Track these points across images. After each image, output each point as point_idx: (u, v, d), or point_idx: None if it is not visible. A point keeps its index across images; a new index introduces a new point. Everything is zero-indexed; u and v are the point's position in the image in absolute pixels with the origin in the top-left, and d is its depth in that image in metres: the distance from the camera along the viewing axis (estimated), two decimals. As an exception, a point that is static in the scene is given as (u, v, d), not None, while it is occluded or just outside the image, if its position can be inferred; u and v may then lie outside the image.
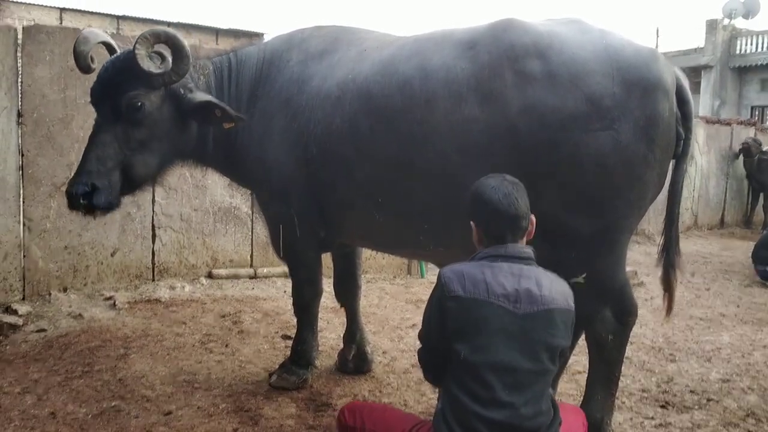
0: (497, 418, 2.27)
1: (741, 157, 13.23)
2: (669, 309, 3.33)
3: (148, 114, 3.38)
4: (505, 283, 2.34)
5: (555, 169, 2.87)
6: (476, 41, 3.08)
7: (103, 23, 26.48)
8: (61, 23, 25.03)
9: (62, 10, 25.00)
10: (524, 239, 2.52)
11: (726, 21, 27.18)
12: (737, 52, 26.88)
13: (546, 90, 2.85)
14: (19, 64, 5.29)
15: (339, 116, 3.36)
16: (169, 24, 27.96)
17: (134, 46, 3.20)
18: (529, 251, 2.48)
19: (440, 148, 3.06)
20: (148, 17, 27.11)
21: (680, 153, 3.07)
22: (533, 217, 2.54)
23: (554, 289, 2.41)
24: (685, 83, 3.06)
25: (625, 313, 3.20)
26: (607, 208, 2.92)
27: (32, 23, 23.68)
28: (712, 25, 26.81)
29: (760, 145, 12.89)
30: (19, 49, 5.28)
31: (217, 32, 29.45)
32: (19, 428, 3.38)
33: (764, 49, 26.21)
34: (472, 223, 2.54)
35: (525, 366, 2.32)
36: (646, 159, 2.86)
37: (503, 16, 3.19)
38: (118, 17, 26.74)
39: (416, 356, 2.65)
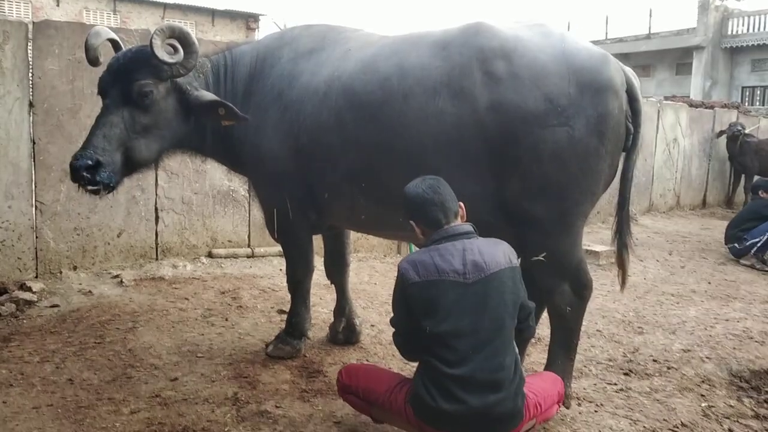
0: (462, 374, 2.65)
1: (724, 139, 13.48)
2: (623, 285, 3.67)
3: (154, 102, 3.60)
4: (452, 260, 2.73)
5: (517, 160, 3.18)
6: (449, 43, 3.36)
7: (100, 5, 26.56)
8: (57, 5, 25.10)
9: (60, -8, 25.02)
10: (458, 220, 2.90)
11: (718, 1, 27.19)
12: (729, 32, 26.97)
13: (510, 89, 3.14)
14: (30, 58, 5.49)
15: (326, 110, 3.61)
16: (165, 5, 27.98)
17: (152, 36, 3.44)
18: (467, 227, 2.88)
19: (416, 139, 3.34)
20: (144, -2, 27.15)
21: (630, 146, 3.37)
22: (461, 203, 2.93)
23: (496, 252, 2.79)
24: (635, 83, 3.35)
25: (582, 287, 3.52)
26: (564, 195, 3.23)
27: (29, 4, 23.53)
28: (704, 6, 26.85)
29: (744, 128, 13.17)
30: (29, 43, 5.48)
31: (213, 13, 29.50)
32: (41, 392, 3.65)
33: (756, 29, 26.30)
34: (411, 222, 2.93)
35: (484, 326, 2.69)
36: (598, 152, 3.17)
37: (477, 19, 3.49)
38: (114, -1, 26.75)
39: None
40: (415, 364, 2.96)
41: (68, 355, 4.20)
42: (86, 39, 3.64)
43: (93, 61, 3.68)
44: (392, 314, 2.96)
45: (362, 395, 3.05)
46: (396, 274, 2.86)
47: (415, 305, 2.74)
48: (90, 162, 3.43)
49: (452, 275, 2.71)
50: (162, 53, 3.49)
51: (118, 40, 3.86)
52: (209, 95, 3.71)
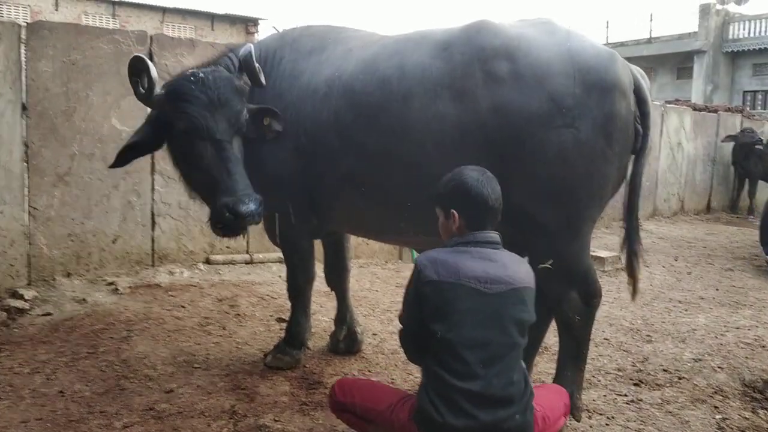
0: (473, 389, 2.50)
1: (729, 143, 13.40)
2: (634, 294, 3.54)
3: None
4: (474, 267, 2.57)
5: (522, 163, 3.06)
6: (450, 42, 3.25)
7: (99, 9, 26.57)
8: (56, 9, 25.08)
9: (58, -4, 25.05)
10: None
11: (719, 6, 27.23)
12: (730, 37, 27.01)
13: (513, 89, 3.03)
14: (23, 59, 5.40)
15: (326, 110, 3.52)
16: (164, 9, 28.01)
17: (252, 63, 3.42)
18: (495, 236, 2.71)
19: (417, 141, 3.23)
20: (143, 2, 27.16)
21: (639, 148, 3.25)
22: None
23: (519, 269, 2.66)
24: (644, 83, 3.24)
25: (591, 295, 3.39)
26: (571, 199, 3.12)
27: (28, 9, 23.53)
28: (705, 10, 26.89)
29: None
30: (22, 44, 5.39)
31: (212, 17, 29.51)
32: (30, 406, 3.53)
33: (757, 34, 26.34)
34: (453, 211, 2.71)
35: (497, 340, 2.54)
36: (605, 154, 3.05)
37: (480, 17, 3.38)
38: (114, 3, 26.83)
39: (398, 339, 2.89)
40: (418, 379, 2.80)
41: (60, 366, 4.09)
42: (151, 77, 3.32)
43: (149, 99, 3.41)
44: (401, 310, 2.78)
45: (360, 412, 2.85)
46: (412, 269, 2.68)
47: (428, 305, 2.58)
48: (257, 203, 3.29)
49: (473, 282, 2.55)
50: (264, 78, 3.51)
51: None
52: (254, 105, 3.58)
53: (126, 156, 3.60)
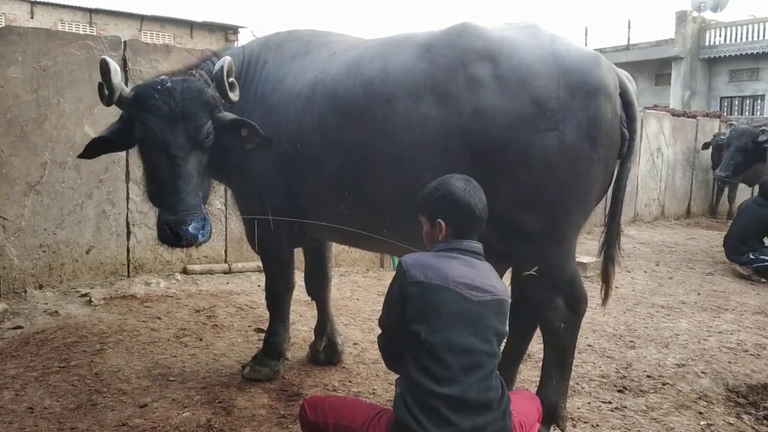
0: (452, 394, 2.43)
1: (709, 149, 13.49)
2: (605, 300, 3.50)
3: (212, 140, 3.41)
4: (462, 273, 2.53)
5: (505, 167, 2.99)
6: (433, 45, 3.19)
7: (75, 17, 26.26)
8: (32, 17, 24.75)
9: (33, 3, 24.72)
10: None
11: (695, 13, 27.55)
12: (707, 43, 27.34)
13: (495, 92, 2.96)
14: (-9, 66, 5.25)
15: (309, 114, 3.46)
16: (143, 17, 27.70)
17: (221, 78, 3.28)
18: (479, 246, 2.68)
19: (400, 145, 3.16)
20: (121, 10, 26.91)
21: (625, 153, 3.19)
22: None
23: (499, 282, 2.63)
24: (630, 87, 3.18)
25: (576, 302, 3.35)
26: (555, 204, 3.05)
27: (2, 17, 23.17)
28: (681, 17, 27.20)
29: None
30: (-10, 50, 5.24)
31: (191, 25, 29.27)
32: (-3, 423, 3.43)
33: (733, 40, 26.68)
34: (440, 220, 2.67)
35: (479, 348, 2.49)
36: (590, 158, 2.99)
37: (462, 20, 3.33)
38: (90, 11, 26.53)
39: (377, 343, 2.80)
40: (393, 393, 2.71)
41: (29, 381, 3.95)
42: (110, 78, 3.23)
43: (111, 103, 3.31)
44: (381, 312, 2.70)
45: (333, 431, 2.79)
46: (397, 270, 2.61)
47: (412, 306, 2.52)
48: (200, 224, 3.20)
49: (460, 288, 2.51)
50: (233, 95, 3.36)
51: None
52: (231, 115, 3.48)
53: (94, 149, 3.51)
